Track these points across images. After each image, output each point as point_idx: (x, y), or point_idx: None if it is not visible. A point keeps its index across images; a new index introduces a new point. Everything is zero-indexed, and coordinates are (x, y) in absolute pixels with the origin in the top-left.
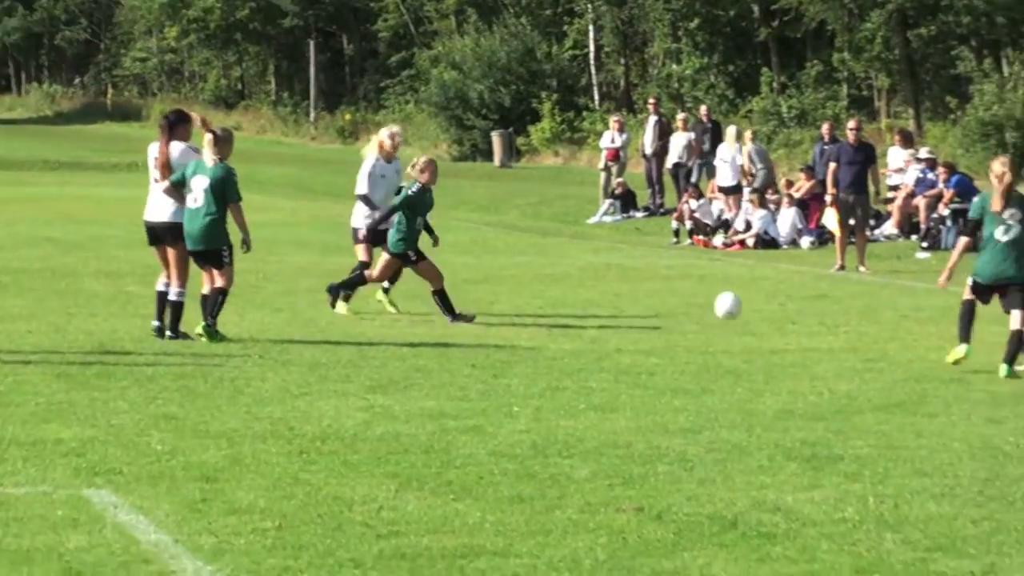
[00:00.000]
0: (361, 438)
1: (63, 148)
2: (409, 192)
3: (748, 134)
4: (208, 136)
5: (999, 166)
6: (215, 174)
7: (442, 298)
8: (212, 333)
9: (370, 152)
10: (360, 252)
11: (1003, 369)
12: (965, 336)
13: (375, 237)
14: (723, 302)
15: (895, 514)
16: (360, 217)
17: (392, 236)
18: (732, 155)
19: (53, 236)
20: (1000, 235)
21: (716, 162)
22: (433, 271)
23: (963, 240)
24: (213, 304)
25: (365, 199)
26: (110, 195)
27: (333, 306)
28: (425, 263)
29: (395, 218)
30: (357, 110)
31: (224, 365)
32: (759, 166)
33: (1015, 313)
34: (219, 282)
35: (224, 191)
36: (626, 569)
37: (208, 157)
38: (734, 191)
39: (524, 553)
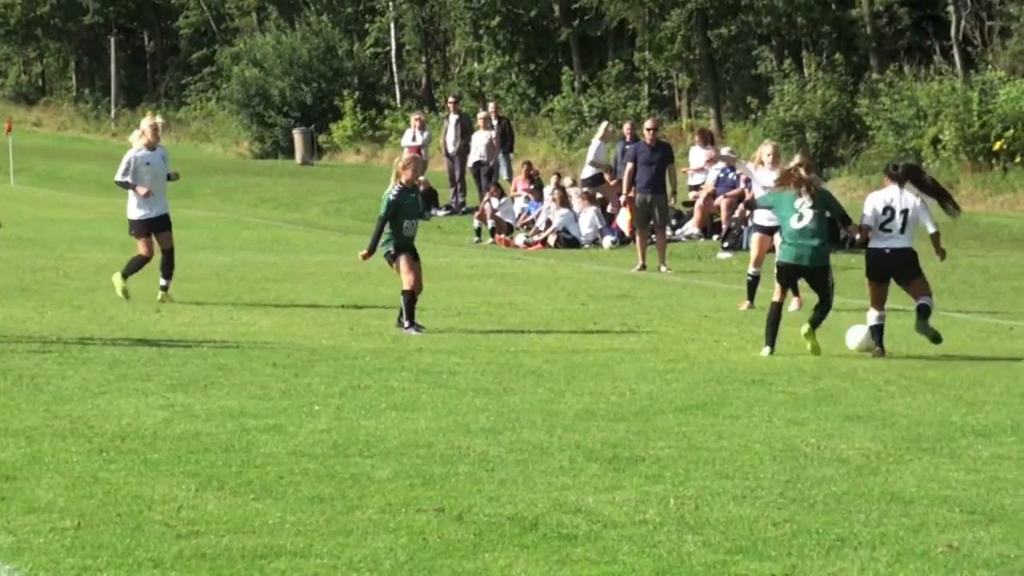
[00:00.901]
0: (161, 436)
1: None
2: (390, 196)
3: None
4: None
5: (797, 158)
6: None
7: (408, 302)
8: None
9: (135, 142)
10: (140, 246)
11: (805, 327)
12: (769, 338)
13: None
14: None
15: (696, 516)
16: (134, 209)
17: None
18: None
19: None
20: (795, 221)
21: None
22: (413, 275)
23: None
24: None
25: (123, 184)
26: None
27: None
28: (407, 263)
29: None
30: (159, 107)
31: (23, 362)
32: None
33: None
34: None
35: None
36: (427, 570)
37: None
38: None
39: (324, 553)
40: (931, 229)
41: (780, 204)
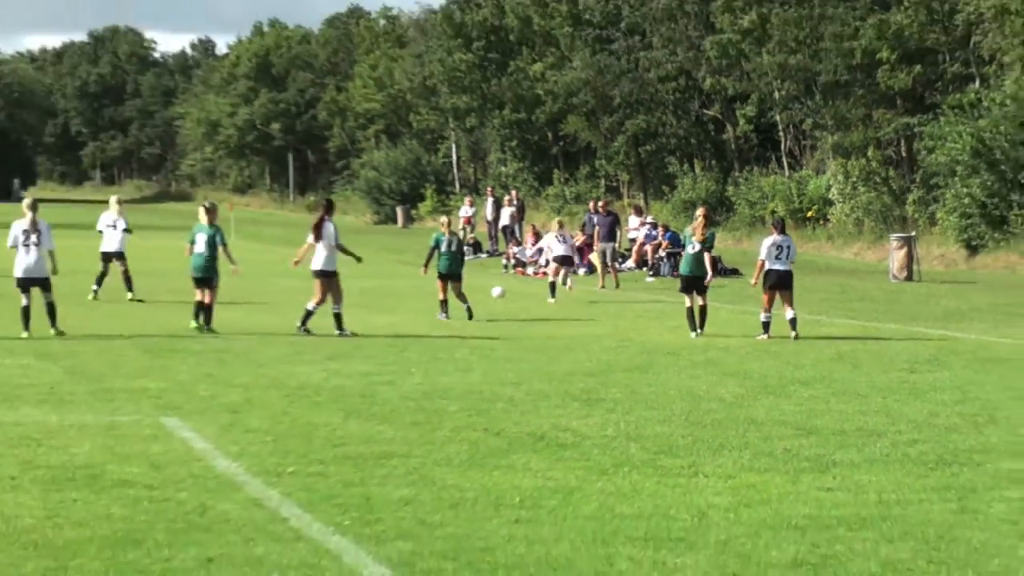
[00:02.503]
0: (323, 387)
1: (146, 218)
2: (437, 237)
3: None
4: (201, 209)
5: (699, 210)
6: (213, 232)
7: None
8: (203, 330)
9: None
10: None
11: (693, 334)
12: (692, 327)
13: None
14: (496, 290)
15: (636, 432)
16: (316, 262)
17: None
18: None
19: (140, 268)
20: (690, 250)
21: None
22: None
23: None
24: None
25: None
26: (173, 245)
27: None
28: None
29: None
30: (318, 194)
31: (239, 344)
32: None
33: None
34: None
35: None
36: (479, 464)
37: (204, 220)
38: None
39: (419, 455)
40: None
41: (686, 240)
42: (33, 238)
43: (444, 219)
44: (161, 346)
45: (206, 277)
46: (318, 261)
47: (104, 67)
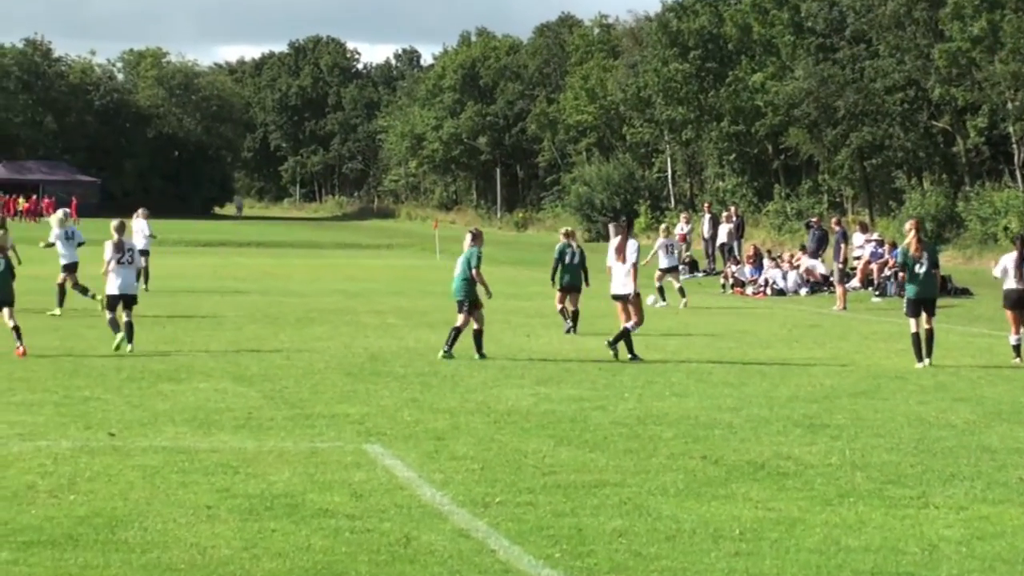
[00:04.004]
0: (532, 413)
1: (347, 235)
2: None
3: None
4: (469, 236)
5: (908, 224)
6: (470, 253)
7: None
8: (448, 356)
9: (56, 225)
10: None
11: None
12: (918, 356)
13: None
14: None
15: (862, 460)
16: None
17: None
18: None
19: (341, 288)
20: (918, 269)
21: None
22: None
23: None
24: (455, 337)
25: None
26: (376, 264)
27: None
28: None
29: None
30: (526, 211)
31: (446, 368)
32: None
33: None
34: (459, 322)
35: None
36: (697, 494)
37: (466, 245)
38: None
39: (633, 484)
40: None
41: (906, 258)
42: (127, 257)
43: (565, 229)
44: (364, 369)
45: (458, 300)
46: (618, 284)
47: (305, 79)
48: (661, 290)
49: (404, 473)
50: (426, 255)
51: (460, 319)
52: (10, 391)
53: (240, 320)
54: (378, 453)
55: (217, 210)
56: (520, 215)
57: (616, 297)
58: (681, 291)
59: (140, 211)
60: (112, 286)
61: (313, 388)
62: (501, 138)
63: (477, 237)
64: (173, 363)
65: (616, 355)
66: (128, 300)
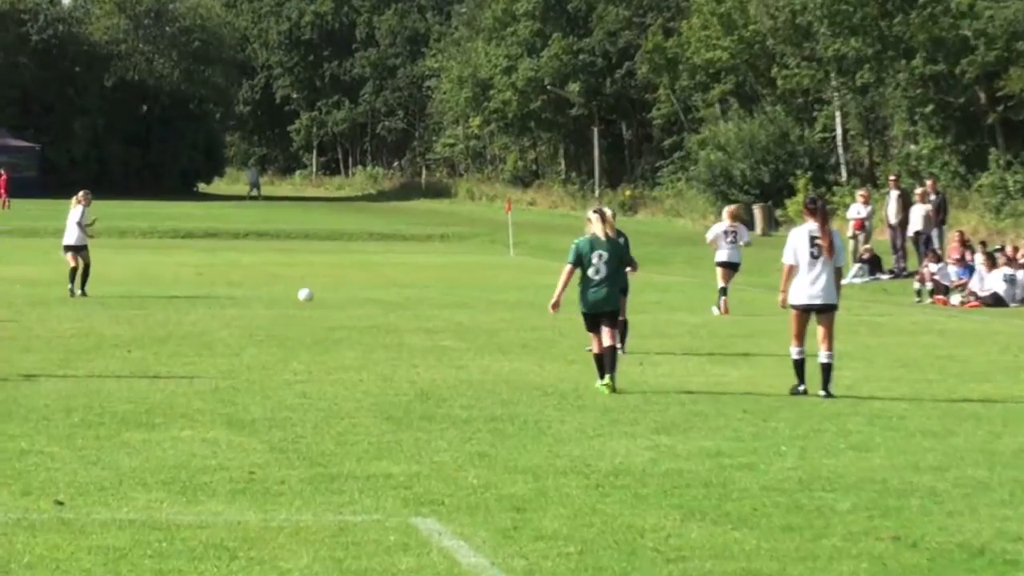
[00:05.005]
0: (649, 473)
1: (384, 221)
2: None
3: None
4: (594, 216)
5: None
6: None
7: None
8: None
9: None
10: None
11: None
12: None
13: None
14: (303, 293)
15: None
16: None
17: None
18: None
19: (377, 297)
20: None
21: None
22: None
23: None
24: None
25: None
26: (425, 262)
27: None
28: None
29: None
30: (635, 187)
31: (527, 409)
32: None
33: None
34: (608, 341)
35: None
36: None
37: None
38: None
39: (796, 575)
40: None
41: None
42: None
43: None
44: (410, 411)
45: (612, 311)
46: (817, 290)
47: (324, 3)
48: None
49: (470, 559)
50: (495, 249)
51: (604, 338)
52: None
53: (236, 341)
54: (432, 530)
55: (202, 187)
56: (627, 193)
57: (812, 310)
58: (723, 291)
59: (81, 194)
60: None
61: (339, 438)
62: (599, 85)
63: (606, 218)
64: (143, 402)
65: (829, 393)
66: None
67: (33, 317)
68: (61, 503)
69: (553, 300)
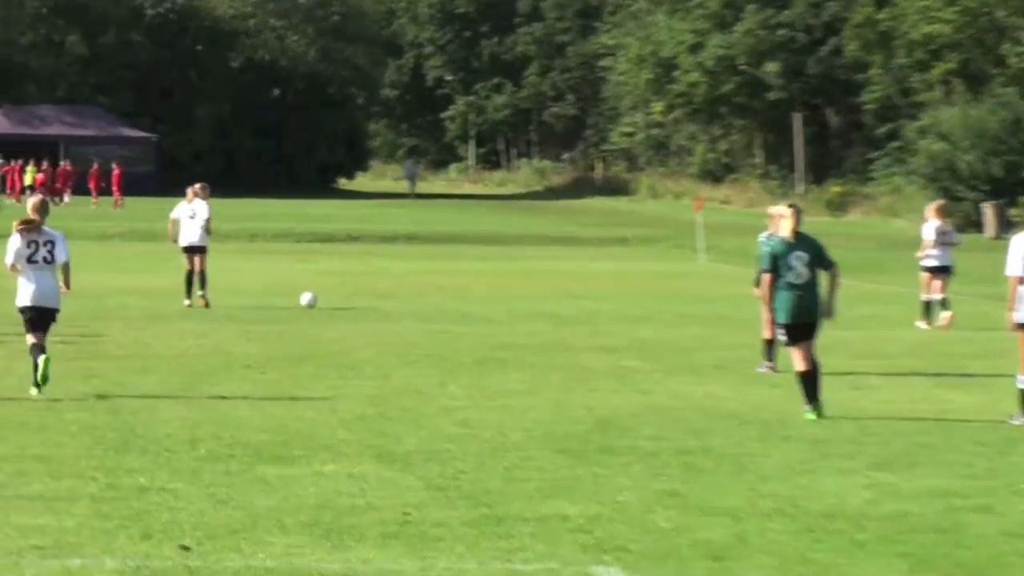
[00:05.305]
0: (868, 516)
1: (552, 223)
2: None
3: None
4: (776, 212)
5: None
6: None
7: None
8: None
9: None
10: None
11: None
12: None
13: None
14: (305, 297)
15: None
16: None
17: None
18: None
19: (547, 311)
20: None
21: None
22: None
23: None
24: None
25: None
26: (601, 269)
27: None
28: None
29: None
30: (845, 182)
31: (725, 441)
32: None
33: None
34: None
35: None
36: None
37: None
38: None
39: None
40: None
41: None
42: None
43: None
44: (589, 443)
45: (810, 323)
46: None
47: None
48: (928, 305)
49: None
50: (682, 255)
51: (799, 356)
52: (22, 477)
53: (385, 361)
54: None
55: (343, 183)
56: (836, 189)
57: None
58: (943, 303)
59: (198, 186)
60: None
61: (507, 474)
62: (801, 64)
63: (797, 213)
64: (279, 432)
65: None
66: (46, 315)
67: (151, 333)
68: (187, 548)
69: (769, 320)
